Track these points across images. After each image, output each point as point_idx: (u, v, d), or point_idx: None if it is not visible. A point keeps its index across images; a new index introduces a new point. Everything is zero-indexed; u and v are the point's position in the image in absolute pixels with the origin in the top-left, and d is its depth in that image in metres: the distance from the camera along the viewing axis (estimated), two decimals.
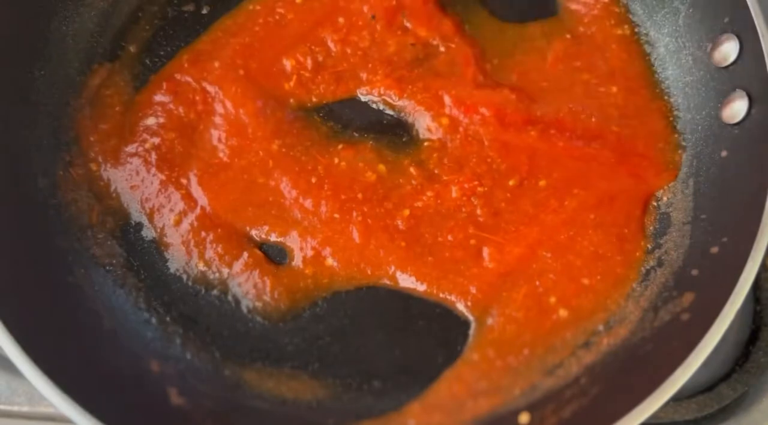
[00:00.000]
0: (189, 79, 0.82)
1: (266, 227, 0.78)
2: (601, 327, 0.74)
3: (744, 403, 0.79)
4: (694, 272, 0.71)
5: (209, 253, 0.77)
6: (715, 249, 0.70)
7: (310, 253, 0.77)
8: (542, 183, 0.78)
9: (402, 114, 0.82)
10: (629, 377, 0.67)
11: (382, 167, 0.79)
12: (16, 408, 0.78)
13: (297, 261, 0.77)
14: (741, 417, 0.78)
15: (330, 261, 0.76)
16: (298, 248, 0.77)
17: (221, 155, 0.80)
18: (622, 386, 0.66)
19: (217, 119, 0.81)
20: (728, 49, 0.74)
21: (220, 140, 0.80)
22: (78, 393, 0.61)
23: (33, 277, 0.70)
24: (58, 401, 0.60)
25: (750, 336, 0.80)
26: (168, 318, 0.76)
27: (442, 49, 0.83)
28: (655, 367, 0.64)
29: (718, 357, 0.79)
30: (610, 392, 0.66)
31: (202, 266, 0.77)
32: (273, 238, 0.78)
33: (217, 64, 0.83)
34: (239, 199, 0.79)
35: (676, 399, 0.76)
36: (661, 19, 0.83)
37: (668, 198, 0.78)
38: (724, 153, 0.74)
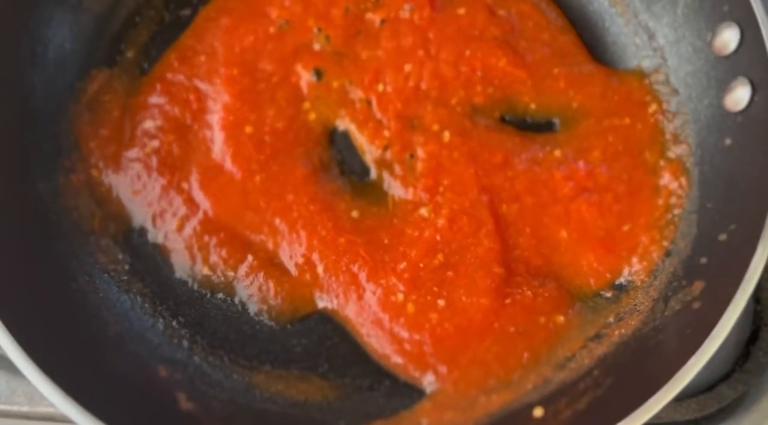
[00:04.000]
0: (181, 77, 0.82)
1: (262, 236, 0.77)
2: (611, 319, 0.74)
3: (744, 403, 0.78)
4: (703, 260, 0.71)
5: (213, 257, 0.77)
6: (723, 236, 0.69)
7: (300, 260, 0.76)
8: None
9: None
10: (643, 367, 0.66)
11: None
12: (15, 408, 0.77)
13: (292, 271, 0.76)
14: (741, 417, 0.78)
15: (320, 268, 0.75)
16: (288, 257, 0.76)
17: (214, 155, 0.79)
18: (636, 376, 0.66)
19: (210, 118, 0.80)
20: (729, 38, 0.74)
21: (213, 139, 0.79)
22: (87, 400, 0.60)
23: (36, 285, 0.69)
24: (66, 407, 0.59)
25: (750, 336, 0.80)
26: (174, 323, 0.75)
27: None
28: (669, 355, 0.64)
29: (718, 357, 0.77)
30: (625, 382, 0.66)
31: (206, 271, 0.77)
32: (270, 246, 0.77)
33: (203, 58, 0.82)
34: (239, 203, 0.78)
35: (677, 398, 0.75)
36: (659, 11, 0.82)
37: (673, 188, 0.77)
38: (728, 141, 0.73)
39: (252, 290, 0.76)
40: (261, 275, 0.76)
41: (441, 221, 0.75)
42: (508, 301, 0.73)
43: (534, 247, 0.76)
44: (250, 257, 0.76)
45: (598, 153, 0.79)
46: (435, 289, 0.73)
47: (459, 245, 0.75)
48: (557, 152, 0.79)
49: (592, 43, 0.86)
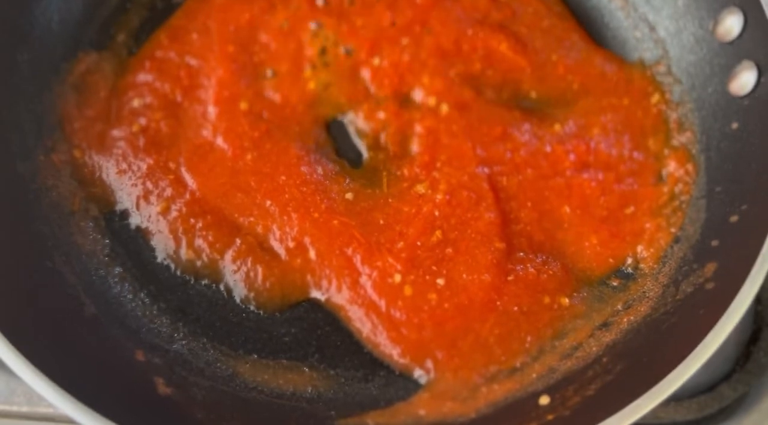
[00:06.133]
0: (172, 54, 0.79)
1: (251, 218, 0.73)
2: (619, 307, 0.70)
3: (745, 403, 0.76)
4: (714, 243, 0.68)
5: (199, 241, 0.73)
6: (734, 218, 0.67)
7: (291, 244, 0.72)
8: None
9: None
10: (656, 350, 0.62)
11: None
12: (15, 408, 0.74)
13: (283, 255, 0.72)
14: (742, 418, 0.75)
15: (312, 252, 0.72)
16: (278, 240, 0.73)
17: (205, 132, 0.76)
18: (649, 359, 0.62)
19: (202, 93, 0.77)
20: (732, 23, 0.73)
21: (204, 115, 0.76)
22: (58, 376, 0.56)
23: (9, 260, 0.65)
24: (35, 383, 0.55)
25: (751, 336, 0.78)
26: (155, 309, 0.71)
27: None
28: (684, 336, 0.60)
29: (719, 357, 0.75)
30: (637, 367, 0.62)
31: (191, 255, 0.72)
32: (259, 230, 0.73)
33: (195, 35, 0.80)
34: (228, 182, 0.75)
35: (677, 398, 0.74)
36: (659, 3, 0.82)
37: (680, 176, 0.75)
38: (734, 125, 0.72)
39: (239, 276, 0.72)
40: (249, 260, 0.72)
41: (439, 197, 0.72)
42: (510, 278, 0.69)
43: (536, 221, 0.73)
44: (238, 241, 0.72)
45: (597, 130, 0.77)
46: (434, 268, 0.69)
47: (458, 220, 0.71)
48: (557, 126, 0.77)
49: (592, 38, 0.85)
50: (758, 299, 0.79)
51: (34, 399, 0.73)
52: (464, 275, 0.69)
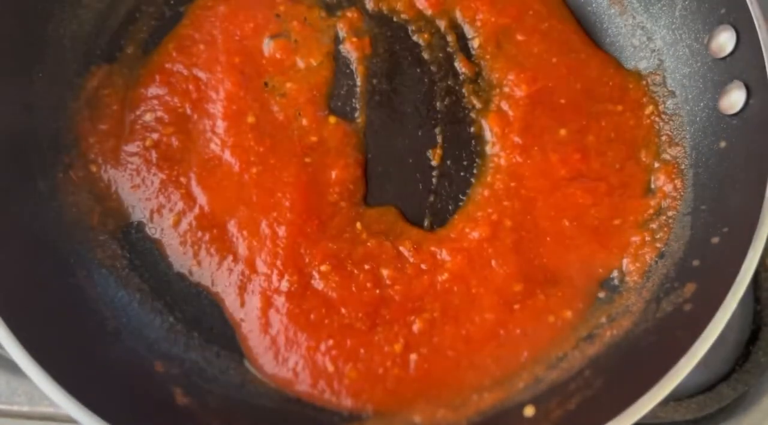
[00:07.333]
0: (180, 66, 0.82)
1: (245, 232, 0.77)
2: (604, 320, 0.74)
3: (744, 403, 0.79)
4: (695, 262, 0.71)
5: (203, 253, 0.77)
6: (715, 239, 0.70)
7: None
8: None
9: None
10: (633, 368, 0.67)
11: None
12: (15, 408, 0.78)
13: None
14: (741, 417, 0.78)
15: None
16: (265, 263, 0.76)
17: (214, 146, 0.79)
18: (626, 377, 0.66)
19: (210, 107, 0.80)
20: (725, 40, 0.74)
21: (213, 129, 0.79)
22: (84, 394, 0.61)
23: (35, 280, 0.70)
24: (63, 402, 0.60)
25: (750, 336, 0.81)
26: (171, 318, 0.76)
27: None
28: (659, 358, 0.64)
29: (718, 357, 0.79)
30: (615, 384, 0.66)
31: (197, 267, 0.77)
32: (248, 248, 0.76)
33: (202, 47, 0.82)
34: (234, 197, 0.78)
35: (677, 398, 0.77)
36: (657, 12, 0.83)
37: (668, 190, 0.78)
38: (722, 144, 0.74)
39: (232, 290, 0.76)
40: (239, 278, 0.76)
41: (445, 276, 0.75)
42: (516, 307, 0.73)
43: (552, 249, 0.76)
44: (230, 258, 0.76)
45: (592, 138, 0.80)
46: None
47: (466, 286, 0.75)
48: (562, 131, 0.80)
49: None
50: (757, 299, 0.82)
51: (35, 399, 0.77)
52: (467, 317, 0.72)
